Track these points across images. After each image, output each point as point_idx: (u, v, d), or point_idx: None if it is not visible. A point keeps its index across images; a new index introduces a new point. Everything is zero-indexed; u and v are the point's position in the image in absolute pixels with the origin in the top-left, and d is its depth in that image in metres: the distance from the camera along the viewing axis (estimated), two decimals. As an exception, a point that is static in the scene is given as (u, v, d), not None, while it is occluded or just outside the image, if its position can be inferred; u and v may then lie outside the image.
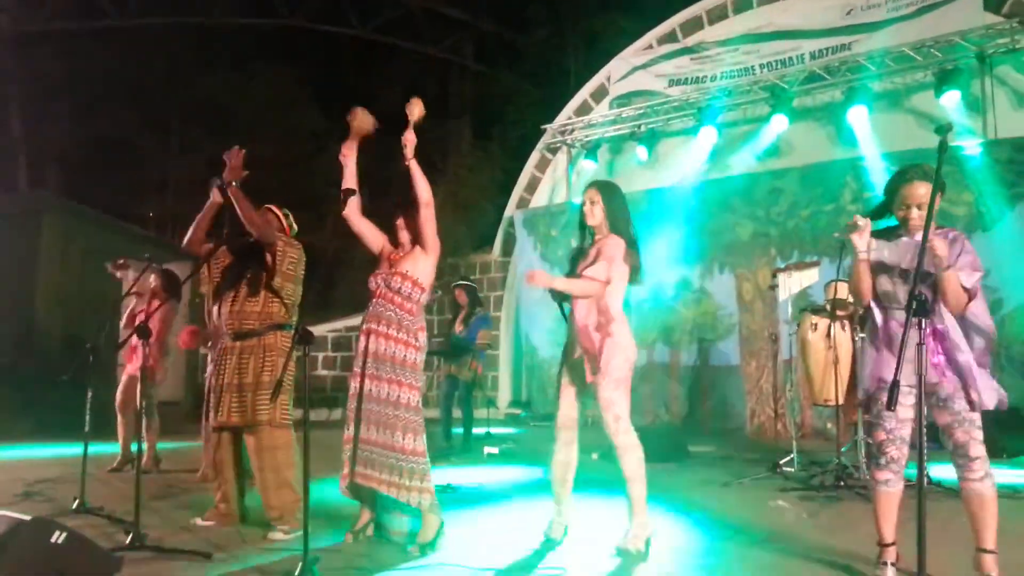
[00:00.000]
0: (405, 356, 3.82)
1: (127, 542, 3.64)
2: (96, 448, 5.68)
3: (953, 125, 2.81)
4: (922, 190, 3.08)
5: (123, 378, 6.50)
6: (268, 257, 4.18)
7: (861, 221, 3.14)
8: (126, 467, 6.36)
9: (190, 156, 19.57)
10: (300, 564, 3.08)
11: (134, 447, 6.39)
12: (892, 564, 3.18)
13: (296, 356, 3.79)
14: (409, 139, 3.94)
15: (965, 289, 2.99)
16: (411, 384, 3.82)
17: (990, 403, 3.04)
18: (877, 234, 3.25)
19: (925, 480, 2.60)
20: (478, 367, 7.78)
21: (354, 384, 3.92)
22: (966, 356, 3.06)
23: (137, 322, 6.25)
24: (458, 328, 7.87)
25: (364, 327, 3.92)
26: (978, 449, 3.03)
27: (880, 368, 3.17)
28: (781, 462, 5.86)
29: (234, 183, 4.10)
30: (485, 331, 7.92)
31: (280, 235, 4.32)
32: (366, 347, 3.86)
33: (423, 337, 3.93)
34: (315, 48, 19.86)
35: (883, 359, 3.16)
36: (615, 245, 3.84)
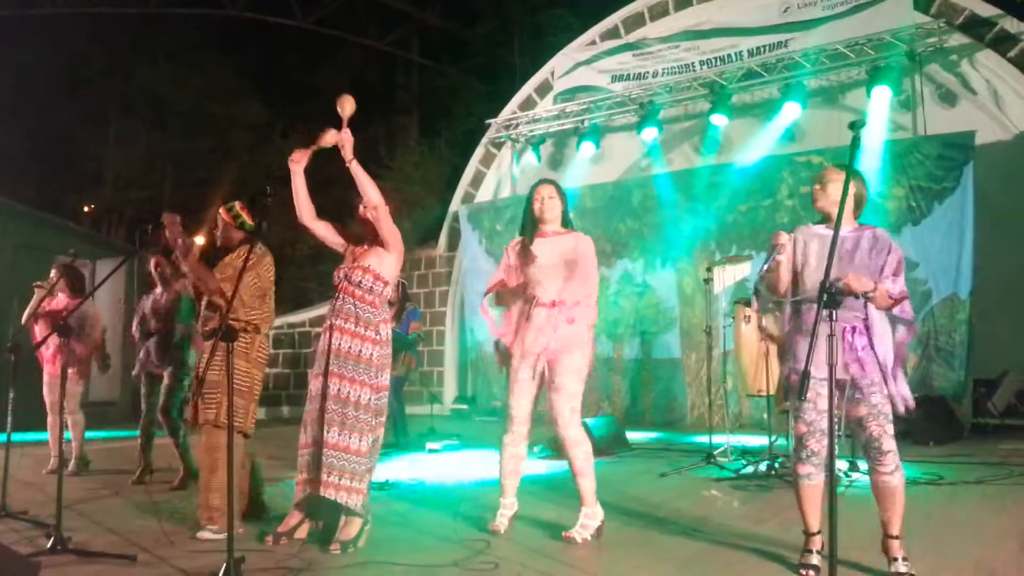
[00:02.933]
0: (361, 351, 3.77)
1: (48, 546, 3.54)
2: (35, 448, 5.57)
3: (865, 122, 2.89)
4: (831, 174, 3.24)
5: (45, 378, 6.33)
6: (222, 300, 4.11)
7: (783, 237, 3.26)
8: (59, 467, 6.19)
9: (127, 148, 19.10)
10: (224, 565, 3.03)
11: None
12: (817, 552, 3.26)
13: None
14: (345, 138, 3.84)
15: (894, 298, 3.09)
16: (363, 382, 3.76)
17: (899, 408, 3.13)
18: (801, 229, 3.36)
19: (839, 467, 2.66)
20: (411, 361, 7.76)
21: (311, 385, 3.87)
22: (885, 351, 3.15)
23: (48, 319, 6.11)
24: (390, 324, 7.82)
25: (327, 322, 3.87)
26: (890, 443, 3.12)
27: (797, 361, 3.24)
28: (715, 452, 5.97)
29: (179, 240, 4.14)
30: (416, 323, 7.88)
31: (233, 256, 4.19)
32: (328, 344, 3.80)
33: (385, 330, 3.88)
34: (257, 39, 19.53)
35: (800, 352, 3.24)
36: (591, 245, 4.04)
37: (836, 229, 2.69)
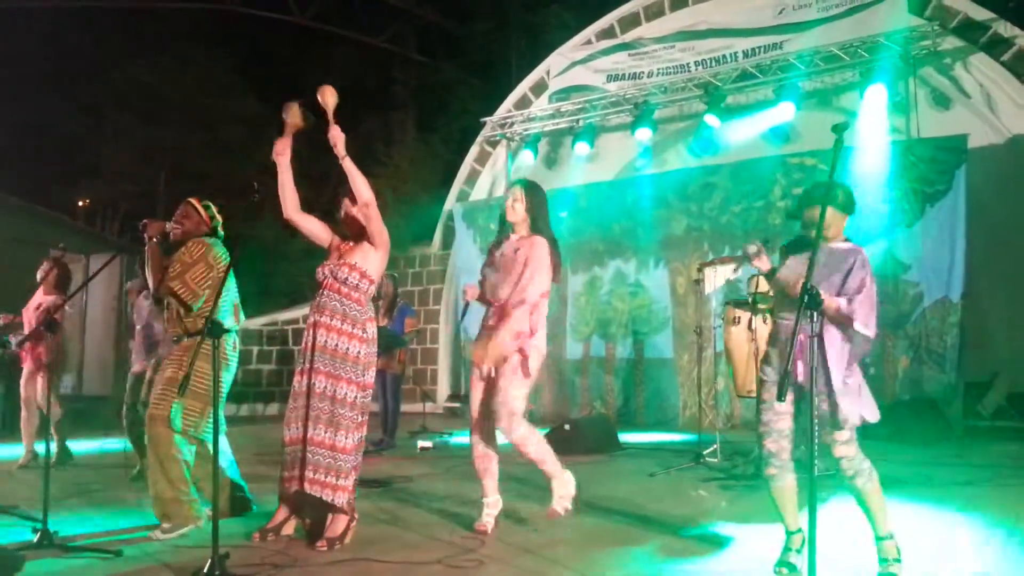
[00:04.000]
0: (348, 349, 3.76)
1: (35, 540, 3.54)
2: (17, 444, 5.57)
3: (849, 124, 2.90)
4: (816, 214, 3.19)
5: (24, 373, 6.33)
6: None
7: (752, 248, 3.29)
8: (31, 463, 6.24)
9: (121, 142, 19.04)
10: (209, 561, 3.03)
11: (40, 444, 6.25)
12: (795, 550, 3.27)
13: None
14: (336, 135, 3.82)
15: (843, 311, 3.06)
16: (350, 379, 3.75)
17: (855, 419, 3.11)
18: (792, 245, 3.38)
19: (816, 467, 2.67)
20: (406, 359, 7.75)
21: (296, 382, 3.85)
22: (837, 376, 3.09)
23: (35, 314, 6.11)
24: (382, 321, 7.74)
25: (310, 319, 3.85)
26: (841, 450, 3.10)
27: (765, 365, 3.31)
28: (705, 453, 5.98)
29: (154, 239, 4.17)
30: (411, 320, 7.87)
31: (185, 250, 4.16)
32: (312, 341, 3.78)
33: (372, 328, 3.88)
34: (251, 34, 19.51)
35: (770, 355, 3.30)
36: (543, 248, 3.95)
37: (814, 249, 2.71)
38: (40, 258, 6.84)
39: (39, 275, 6.44)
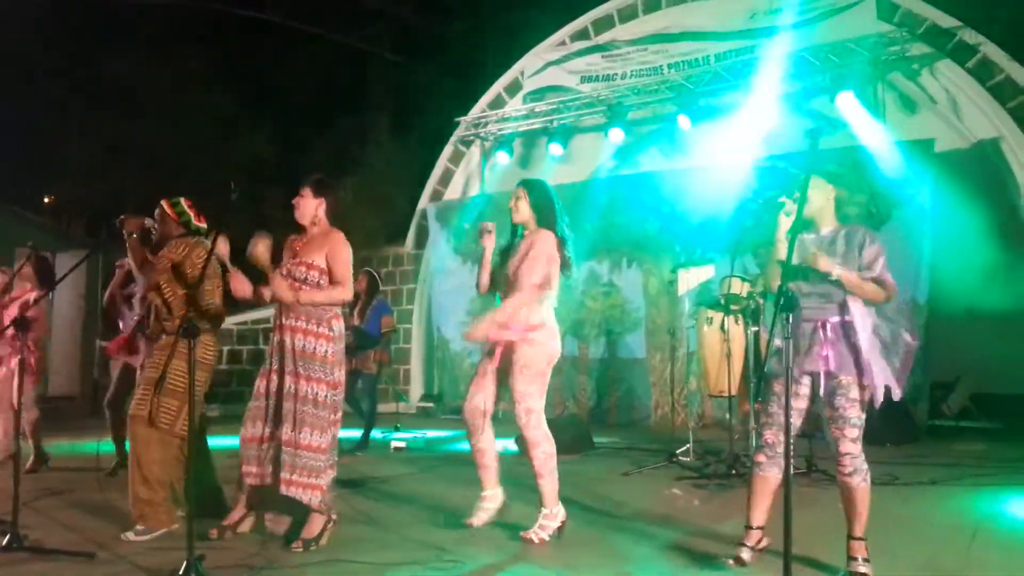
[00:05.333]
0: (316, 349, 3.74)
1: (3, 543, 3.50)
2: None
3: (822, 131, 2.96)
4: (812, 183, 3.29)
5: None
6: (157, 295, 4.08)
7: (789, 206, 3.28)
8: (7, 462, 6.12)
9: (89, 139, 18.72)
10: (184, 563, 3.02)
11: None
12: (750, 547, 3.32)
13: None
14: (276, 288, 3.76)
15: (877, 281, 3.16)
16: (320, 379, 3.74)
17: (878, 397, 3.19)
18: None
19: (793, 465, 2.72)
20: (383, 357, 7.66)
21: (260, 383, 3.84)
22: (867, 350, 3.17)
23: (9, 312, 6.00)
24: (356, 319, 7.64)
25: (276, 322, 3.82)
26: (847, 446, 3.18)
27: (773, 357, 3.32)
28: (678, 452, 6.04)
29: (134, 235, 4.18)
30: (388, 318, 7.75)
31: (169, 250, 4.10)
32: (279, 342, 3.77)
33: (338, 326, 3.85)
34: (225, 31, 19.26)
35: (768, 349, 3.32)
36: (546, 239, 3.96)
37: (792, 237, 2.76)
38: (5, 255, 6.70)
39: (16, 268, 6.30)
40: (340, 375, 3.83)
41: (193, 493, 3.31)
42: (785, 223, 3.27)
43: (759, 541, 3.34)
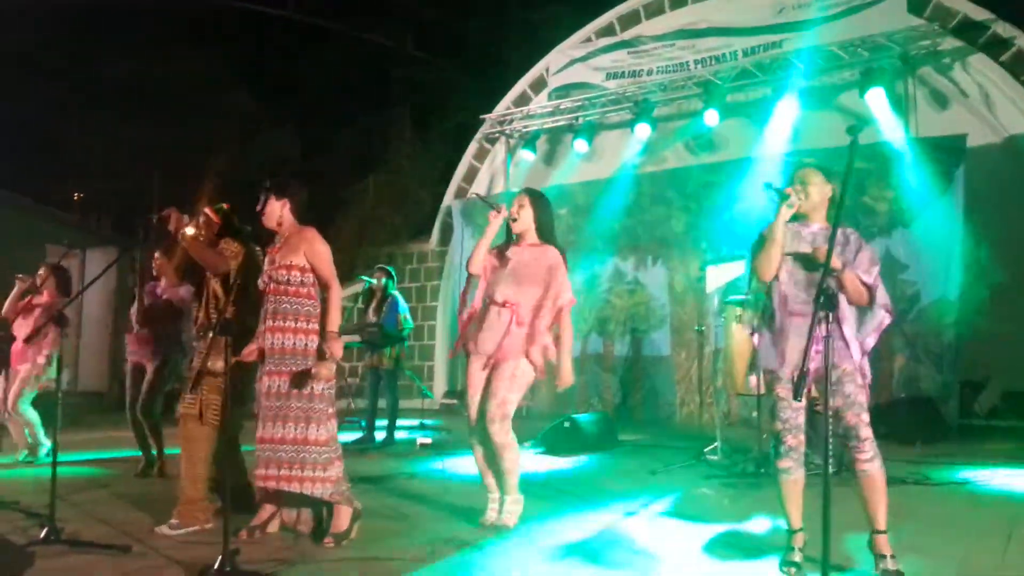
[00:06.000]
0: (307, 344, 3.76)
1: (41, 536, 3.54)
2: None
3: (864, 125, 2.93)
4: (808, 175, 3.32)
5: (11, 373, 6.27)
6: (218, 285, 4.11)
7: (794, 198, 3.29)
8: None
9: (114, 138, 18.92)
10: (219, 557, 3.04)
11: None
12: (799, 549, 3.29)
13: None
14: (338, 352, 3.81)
15: (866, 284, 3.15)
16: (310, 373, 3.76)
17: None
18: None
19: (830, 467, 2.69)
20: (400, 353, 7.65)
21: (258, 385, 3.87)
22: (859, 340, 3.23)
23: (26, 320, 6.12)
24: (372, 316, 7.62)
25: (262, 326, 3.83)
26: (866, 431, 3.15)
27: (768, 359, 3.29)
28: (706, 450, 6.00)
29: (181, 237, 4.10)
30: (403, 315, 7.68)
31: (224, 244, 4.15)
32: (268, 344, 3.78)
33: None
34: (246, 29, 19.42)
35: (773, 350, 3.29)
36: (558, 258, 4.08)
37: (833, 233, 2.73)
38: (36, 252, 6.80)
39: (39, 277, 6.37)
40: (331, 369, 3.85)
41: (229, 489, 3.33)
42: (786, 214, 3.27)
43: (804, 542, 3.30)
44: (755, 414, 6.16)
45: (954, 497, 4.83)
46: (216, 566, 3.05)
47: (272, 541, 3.73)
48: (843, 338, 3.19)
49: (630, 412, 9.84)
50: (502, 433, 3.94)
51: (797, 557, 3.26)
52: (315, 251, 3.82)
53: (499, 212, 4.10)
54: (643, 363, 9.96)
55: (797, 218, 3.34)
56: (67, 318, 4.11)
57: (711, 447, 6.06)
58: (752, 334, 5.42)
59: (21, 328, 6.13)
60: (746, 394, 6.05)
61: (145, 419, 5.65)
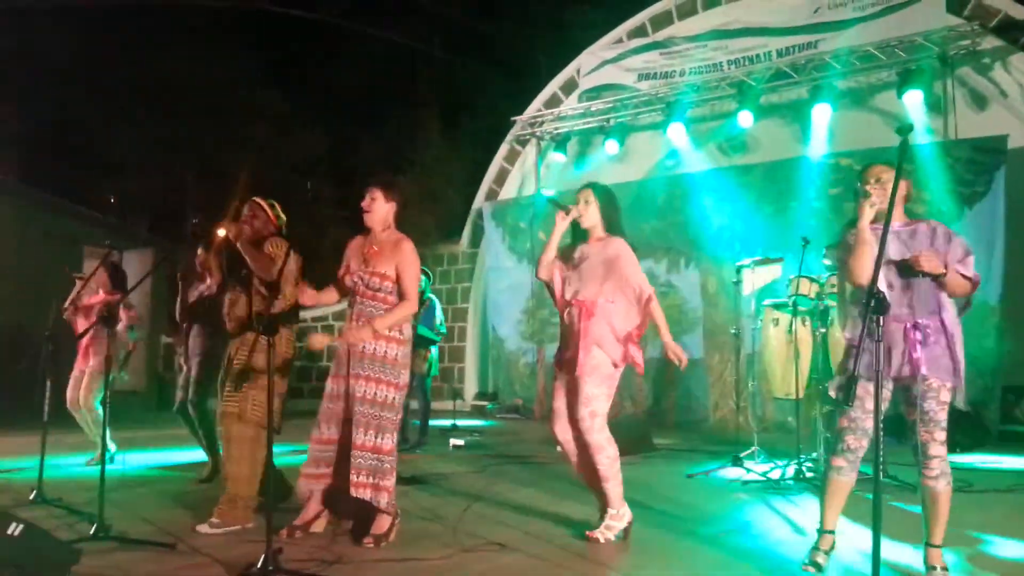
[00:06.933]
0: (387, 352, 3.78)
1: (90, 533, 3.60)
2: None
3: (914, 126, 2.88)
4: (884, 175, 3.20)
5: (74, 372, 6.35)
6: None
7: (876, 196, 3.16)
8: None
9: (148, 138, 19.18)
10: (263, 556, 3.07)
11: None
12: (825, 552, 3.24)
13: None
14: (357, 335, 3.77)
15: (966, 278, 3.09)
16: (390, 381, 3.78)
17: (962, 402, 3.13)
18: (851, 229, 3.31)
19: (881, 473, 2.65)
20: (430, 355, 7.71)
21: (331, 385, 3.88)
22: (960, 352, 3.10)
23: (83, 318, 6.19)
24: None
25: (347, 326, 3.85)
26: (937, 449, 3.08)
27: (850, 361, 3.22)
28: (743, 455, 5.94)
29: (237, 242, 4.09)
30: (440, 319, 7.79)
31: (271, 246, 4.17)
32: (352, 347, 3.80)
33: (408, 330, 3.90)
34: (277, 30, 19.59)
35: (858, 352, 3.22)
36: (627, 248, 3.95)
37: (886, 227, 2.69)
38: (73, 252, 6.89)
39: (96, 279, 6.46)
40: (406, 377, 3.88)
41: (272, 487, 3.36)
42: (869, 214, 3.15)
43: (831, 546, 3.26)
44: (791, 419, 6.09)
45: (1000, 504, 4.74)
46: (259, 565, 3.07)
47: (311, 541, 3.75)
48: (942, 346, 3.08)
49: (662, 415, 9.79)
50: (594, 431, 3.78)
51: (821, 559, 3.22)
52: (407, 265, 3.83)
53: (568, 213, 4.01)
54: (675, 366, 9.85)
55: (876, 218, 3.26)
56: (115, 318, 4.16)
57: (747, 452, 6.00)
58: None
59: (83, 327, 6.27)
60: (783, 398, 5.98)
61: (198, 418, 5.71)
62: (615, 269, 3.89)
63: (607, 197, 4.07)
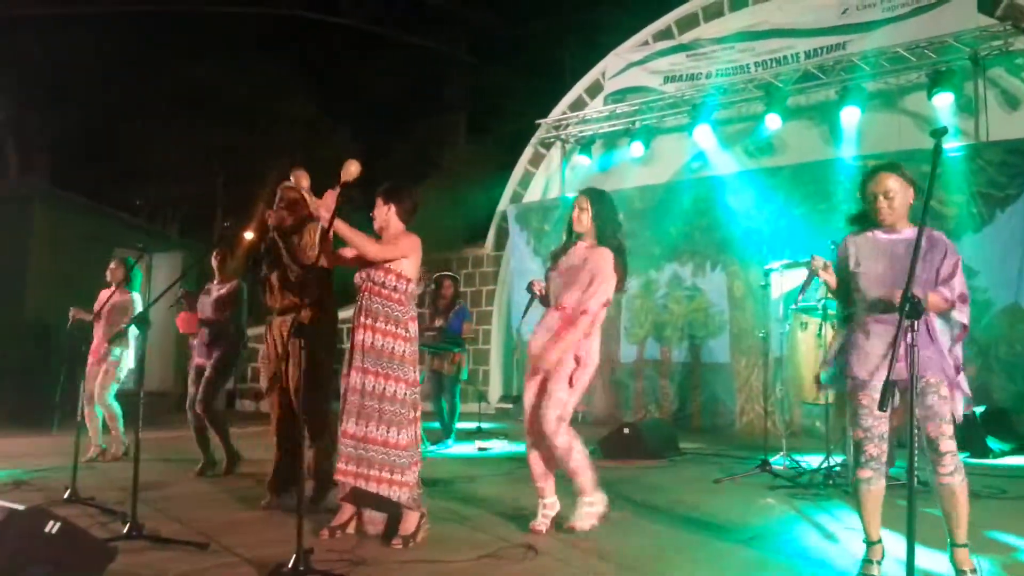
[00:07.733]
0: (394, 348, 3.84)
1: (124, 531, 3.65)
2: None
3: (948, 129, 2.85)
4: (890, 182, 3.19)
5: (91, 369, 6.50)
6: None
7: (819, 261, 3.31)
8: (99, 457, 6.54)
9: (180, 143, 19.41)
10: (293, 556, 3.10)
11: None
12: (877, 562, 3.21)
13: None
14: (324, 207, 3.78)
15: (946, 300, 3.08)
16: (398, 377, 3.83)
17: (960, 413, 3.09)
18: (854, 236, 3.35)
19: (915, 479, 2.62)
20: (461, 359, 7.84)
21: (344, 381, 3.94)
22: (952, 351, 3.15)
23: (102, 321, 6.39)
24: (437, 322, 7.91)
25: (354, 322, 3.93)
26: (948, 444, 3.05)
27: (852, 367, 3.21)
28: (770, 460, 5.89)
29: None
30: (467, 324, 8.01)
31: (309, 234, 4.42)
32: (358, 341, 3.87)
33: (414, 327, 3.95)
34: (305, 37, 19.76)
35: (856, 357, 3.20)
36: (606, 258, 4.04)
37: (919, 239, 2.66)
38: (108, 255, 7.04)
39: (108, 275, 6.68)
40: (416, 374, 3.93)
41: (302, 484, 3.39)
42: (828, 277, 3.35)
43: (882, 555, 3.22)
44: (819, 424, 6.04)
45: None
46: (290, 565, 3.10)
47: (339, 541, 3.78)
48: (932, 348, 3.09)
49: (688, 419, 9.74)
50: (559, 435, 3.93)
51: (875, 571, 3.18)
52: (402, 238, 3.97)
53: (537, 291, 4.29)
54: (701, 370, 9.85)
55: (881, 225, 3.25)
56: (149, 322, 4.23)
57: (776, 457, 5.95)
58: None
59: (100, 327, 6.50)
60: (812, 403, 5.92)
61: (206, 414, 5.79)
62: (592, 277, 4.02)
63: (601, 203, 4.17)
